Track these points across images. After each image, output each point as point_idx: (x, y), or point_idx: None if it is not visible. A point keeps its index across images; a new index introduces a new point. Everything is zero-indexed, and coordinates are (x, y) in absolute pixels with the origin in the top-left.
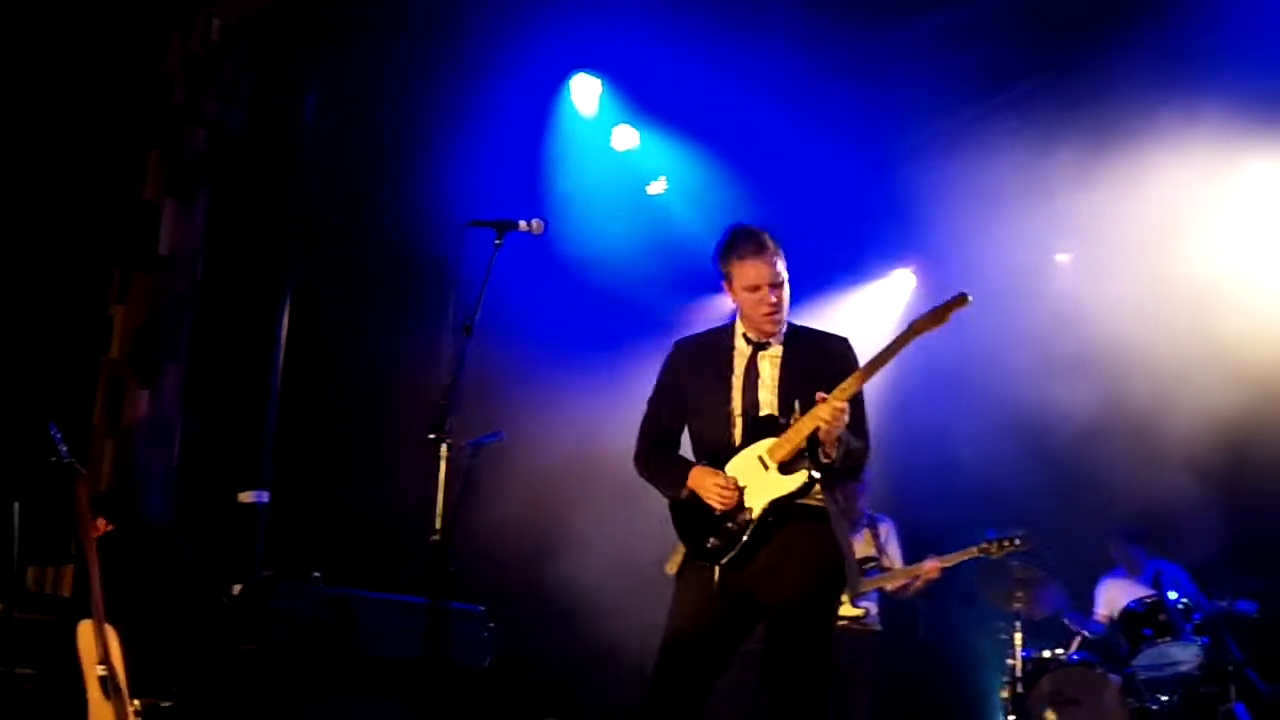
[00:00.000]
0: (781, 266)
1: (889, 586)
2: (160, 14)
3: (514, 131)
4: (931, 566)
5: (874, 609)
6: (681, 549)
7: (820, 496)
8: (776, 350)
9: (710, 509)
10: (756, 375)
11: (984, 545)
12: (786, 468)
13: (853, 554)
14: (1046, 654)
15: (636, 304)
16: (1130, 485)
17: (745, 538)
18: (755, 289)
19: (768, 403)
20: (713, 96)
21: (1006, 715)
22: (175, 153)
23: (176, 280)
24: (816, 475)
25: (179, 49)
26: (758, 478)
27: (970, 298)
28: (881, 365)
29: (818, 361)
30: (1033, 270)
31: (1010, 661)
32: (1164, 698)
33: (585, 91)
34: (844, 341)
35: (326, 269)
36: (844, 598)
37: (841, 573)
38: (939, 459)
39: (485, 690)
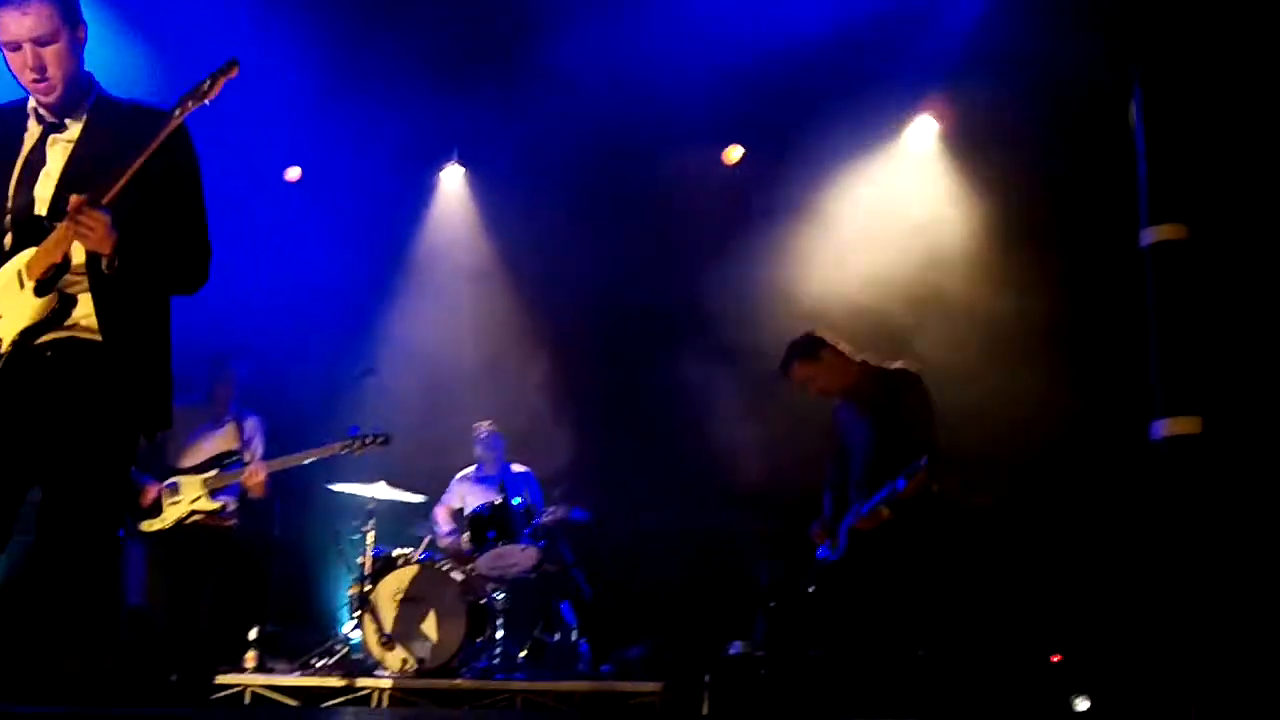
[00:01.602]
0: (50, 18)
1: (250, 482)
2: None
3: None
4: (278, 462)
5: (232, 503)
6: None
7: (92, 325)
8: (74, 131)
9: None
10: (41, 164)
11: (347, 442)
12: (42, 288)
13: (162, 402)
14: (396, 552)
15: None
16: (492, 396)
17: None
18: (13, 47)
19: (44, 200)
20: None
21: (353, 612)
22: None
23: None
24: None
25: None
26: (14, 300)
27: (237, 65)
28: (146, 154)
29: (120, 146)
30: (420, 176)
31: (360, 560)
32: (501, 595)
33: None
34: (169, 119)
35: None
36: (202, 492)
37: (127, 414)
38: (307, 358)
39: None
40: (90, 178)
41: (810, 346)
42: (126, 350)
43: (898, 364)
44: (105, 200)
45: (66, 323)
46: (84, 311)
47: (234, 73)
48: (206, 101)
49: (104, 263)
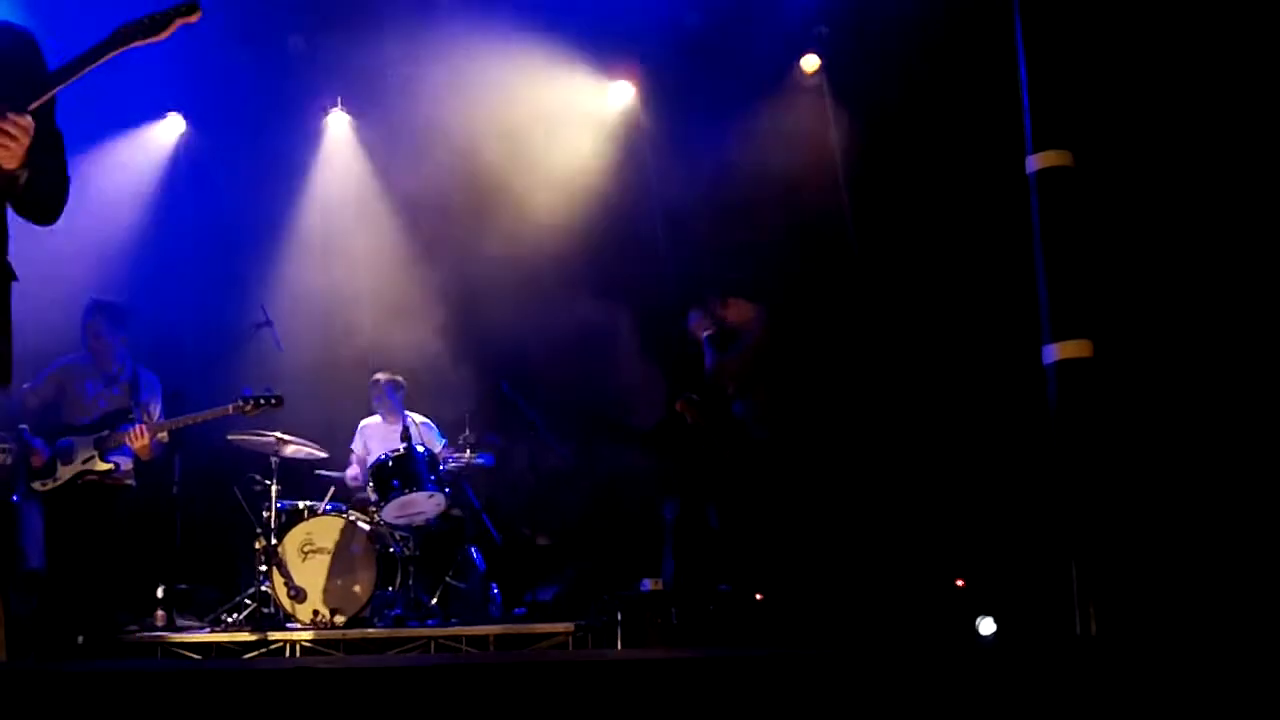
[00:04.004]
0: None
1: (135, 444)
2: None
3: None
4: (168, 424)
5: (125, 463)
6: None
7: None
8: None
9: None
10: None
11: (238, 404)
12: None
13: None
14: (301, 505)
15: None
16: (390, 345)
17: None
18: None
19: None
20: None
21: (259, 565)
22: None
23: None
24: None
25: None
26: None
27: (200, 9)
28: (79, 72)
29: None
30: (310, 124)
31: (265, 514)
32: (408, 543)
33: None
34: (28, 36)
35: None
36: (94, 452)
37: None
38: (198, 317)
39: None
40: None
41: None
42: None
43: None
44: (32, 108)
45: None
46: None
47: (194, 17)
48: (157, 40)
49: (18, 179)
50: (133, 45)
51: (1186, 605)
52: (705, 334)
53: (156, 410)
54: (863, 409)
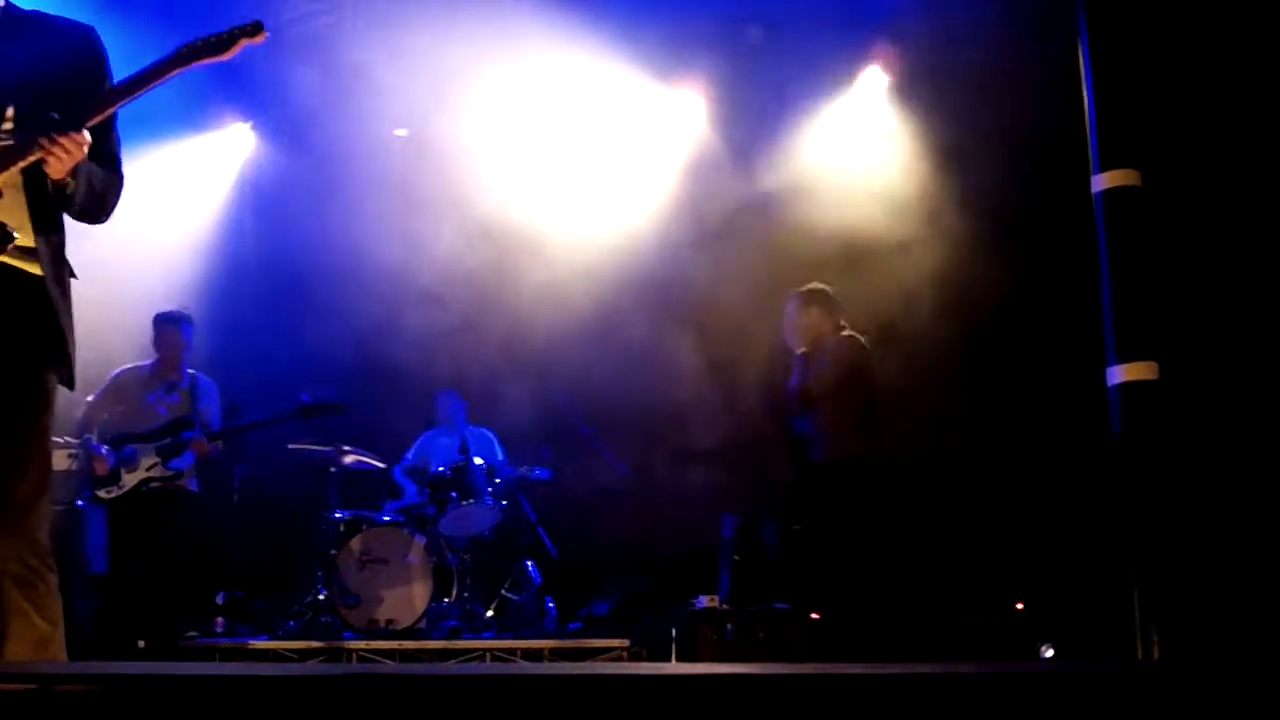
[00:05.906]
0: None
1: (197, 451)
2: None
3: None
4: (227, 432)
5: (188, 469)
6: None
7: (31, 244)
8: None
9: None
10: None
11: (298, 410)
12: None
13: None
14: (360, 515)
15: None
16: (450, 355)
17: None
18: None
19: None
20: None
21: (317, 574)
22: None
23: None
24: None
25: None
26: None
27: (265, 31)
28: (141, 91)
29: (52, 57)
30: (375, 142)
31: (324, 523)
32: (465, 555)
33: None
34: (90, 32)
35: None
36: (157, 460)
37: (61, 347)
38: (262, 325)
39: None
40: (21, 89)
41: (807, 297)
42: (60, 289)
43: (846, 332)
44: (90, 123)
45: None
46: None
47: (260, 38)
48: (221, 59)
49: (66, 188)
50: (197, 64)
51: (1253, 632)
52: (799, 351)
53: (214, 417)
54: (924, 430)
